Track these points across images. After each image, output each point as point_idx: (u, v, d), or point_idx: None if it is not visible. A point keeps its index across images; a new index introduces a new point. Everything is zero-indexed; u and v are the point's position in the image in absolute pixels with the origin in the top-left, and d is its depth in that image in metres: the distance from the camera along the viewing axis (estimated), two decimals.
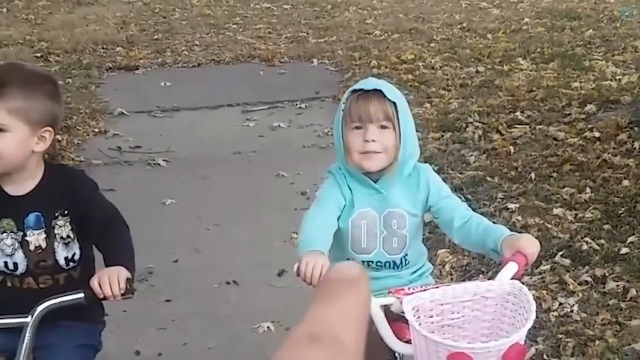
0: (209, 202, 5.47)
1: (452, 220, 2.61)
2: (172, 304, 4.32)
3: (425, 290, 2.20)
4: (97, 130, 6.80)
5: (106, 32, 9.75)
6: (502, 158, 5.64)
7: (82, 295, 2.40)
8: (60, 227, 2.60)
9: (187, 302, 4.33)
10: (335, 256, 2.64)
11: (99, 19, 10.43)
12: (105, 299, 2.39)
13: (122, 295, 2.37)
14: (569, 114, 6.34)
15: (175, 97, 7.57)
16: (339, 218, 2.64)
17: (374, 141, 2.58)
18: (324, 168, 5.74)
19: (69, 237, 2.61)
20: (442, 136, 6.12)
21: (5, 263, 2.60)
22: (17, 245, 2.59)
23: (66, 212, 2.59)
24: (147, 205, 5.32)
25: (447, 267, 4.41)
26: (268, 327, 4.07)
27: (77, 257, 2.65)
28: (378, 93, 2.59)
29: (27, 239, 2.59)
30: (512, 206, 4.91)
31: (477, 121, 6.32)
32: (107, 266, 2.44)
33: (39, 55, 8.79)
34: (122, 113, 7.18)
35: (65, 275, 2.64)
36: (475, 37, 9.05)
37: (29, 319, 2.40)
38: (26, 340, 2.40)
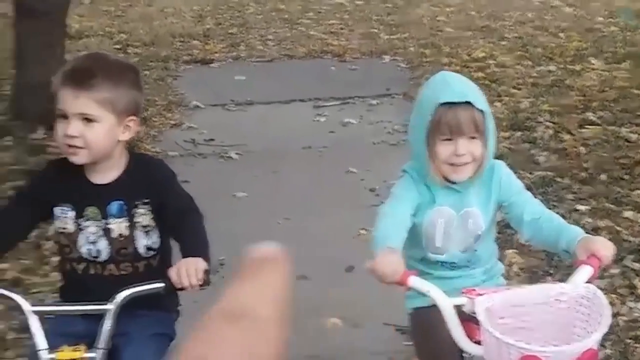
0: (280, 195, 5.56)
1: (522, 214, 2.63)
2: None
3: (497, 291, 2.24)
4: (172, 122, 6.95)
5: (183, 25, 9.92)
6: (572, 158, 5.63)
7: (161, 284, 2.46)
8: (141, 215, 2.67)
9: None
10: (408, 254, 2.67)
11: (176, 12, 10.61)
12: (182, 289, 2.44)
13: (200, 286, 2.43)
14: None
15: (249, 90, 7.67)
16: (414, 215, 2.66)
17: (464, 154, 2.60)
18: (394, 165, 5.80)
19: (149, 225, 2.68)
20: (512, 135, 6.12)
21: (89, 250, 2.68)
22: (100, 232, 2.66)
23: (146, 201, 2.66)
24: (219, 197, 5.43)
25: (515, 268, 4.42)
26: (336, 322, 4.13)
27: (156, 246, 2.71)
28: (467, 103, 2.58)
29: (110, 226, 2.66)
30: (581, 208, 4.91)
31: (547, 120, 6.30)
32: (183, 256, 2.49)
33: (118, 46, 8.99)
34: (197, 106, 7.32)
35: (144, 263, 2.71)
36: (547, 35, 8.98)
37: (109, 306, 2.47)
38: (106, 327, 2.47)
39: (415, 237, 2.68)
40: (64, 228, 2.69)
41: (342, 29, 9.72)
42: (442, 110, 2.58)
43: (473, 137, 2.60)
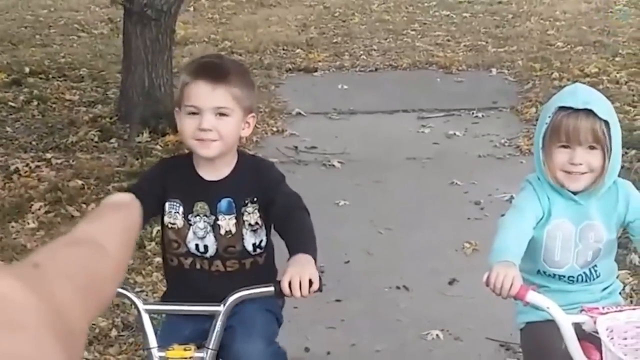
0: (382, 205, 5.48)
1: None
2: (341, 304, 4.35)
3: (620, 310, 2.13)
4: (274, 128, 6.94)
5: (287, 34, 9.95)
6: None
7: (272, 289, 2.43)
8: (249, 213, 2.67)
9: (357, 303, 4.35)
10: (525, 267, 2.59)
11: (280, 21, 10.66)
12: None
13: (313, 293, 2.39)
14: None
15: (352, 100, 7.62)
16: (533, 227, 2.59)
17: (580, 164, 2.51)
18: (500, 179, 5.70)
19: (256, 223, 2.68)
20: (626, 153, 5.88)
21: (197, 245, 2.68)
22: (209, 228, 2.67)
23: (255, 199, 2.66)
24: (321, 205, 5.34)
25: (627, 289, 4.24)
26: (437, 335, 4.04)
27: (263, 244, 2.71)
28: (588, 112, 2.49)
29: (219, 222, 2.67)
30: None
31: None
32: (291, 252, 2.44)
33: (222, 53, 9.06)
34: (300, 113, 7.31)
35: (251, 260, 2.71)
36: None
37: (221, 308, 2.46)
38: (217, 328, 2.46)
39: (533, 249, 2.61)
40: (172, 223, 2.70)
41: (448, 41, 9.59)
42: (561, 115, 2.51)
43: (592, 147, 2.51)
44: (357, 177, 5.92)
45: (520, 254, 2.44)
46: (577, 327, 2.23)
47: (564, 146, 2.52)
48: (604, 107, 2.53)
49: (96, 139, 6.48)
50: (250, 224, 2.67)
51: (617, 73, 7.89)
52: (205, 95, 2.59)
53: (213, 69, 2.63)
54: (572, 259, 2.63)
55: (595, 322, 2.11)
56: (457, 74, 8.40)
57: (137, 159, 6.10)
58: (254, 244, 2.70)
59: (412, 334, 4.06)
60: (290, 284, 2.37)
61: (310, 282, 2.36)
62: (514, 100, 7.38)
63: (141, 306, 2.50)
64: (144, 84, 6.63)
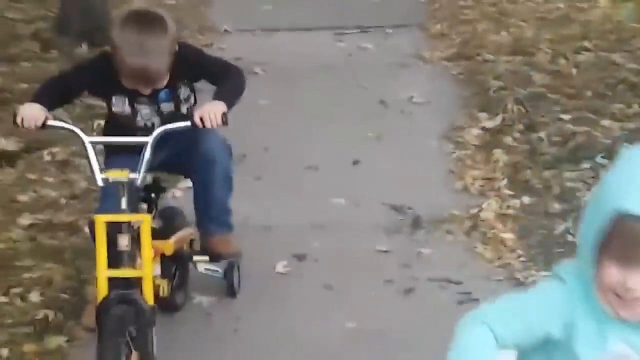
0: (298, 104, 6.19)
1: None
2: (261, 181, 5.09)
3: None
4: (204, 43, 7.54)
5: None
6: (563, 78, 6.20)
7: (188, 123, 3.19)
8: (183, 92, 3.43)
9: (273, 180, 5.08)
10: None
11: None
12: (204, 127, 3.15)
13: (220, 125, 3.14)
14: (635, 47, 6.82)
15: (275, 18, 8.25)
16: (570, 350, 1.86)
17: (634, 289, 1.79)
18: (403, 82, 6.40)
19: (188, 94, 3.45)
20: (513, 59, 6.68)
21: (145, 124, 3.41)
22: (153, 113, 3.40)
23: (186, 81, 3.42)
24: (244, 104, 6.02)
25: None
26: (340, 202, 4.82)
27: (192, 99, 3.48)
28: None
29: (161, 109, 3.40)
30: (565, 117, 5.52)
31: (547, 47, 6.85)
32: (212, 98, 3.22)
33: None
34: (227, 30, 7.94)
35: (185, 112, 3.46)
36: None
37: (149, 139, 3.16)
38: (146, 155, 3.14)
39: None
40: (121, 112, 3.41)
41: None
42: (622, 223, 1.74)
43: None
44: (277, 82, 6.60)
45: None
46: None
47: (617, 262, 1.78)
48: None
49: (37, 50, 7.04)
50: (184, 98, 3.43)
51: None
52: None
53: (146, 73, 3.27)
54: None
55: None
56: None
57: None
58: (187, 107, 3.45)
59: (321, 202, 4.82)
60: (202, 118, 3.11)
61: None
62: (421, 19, 8.10)
63: (85, 139, 3.16)
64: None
